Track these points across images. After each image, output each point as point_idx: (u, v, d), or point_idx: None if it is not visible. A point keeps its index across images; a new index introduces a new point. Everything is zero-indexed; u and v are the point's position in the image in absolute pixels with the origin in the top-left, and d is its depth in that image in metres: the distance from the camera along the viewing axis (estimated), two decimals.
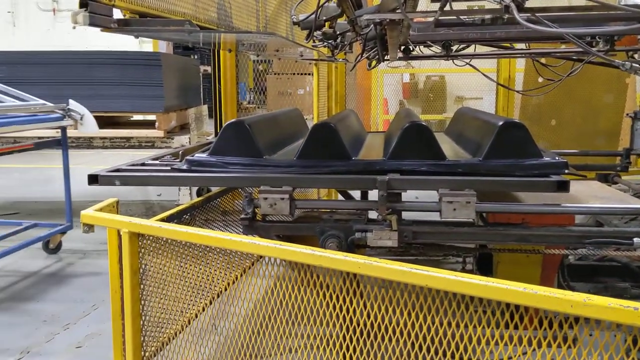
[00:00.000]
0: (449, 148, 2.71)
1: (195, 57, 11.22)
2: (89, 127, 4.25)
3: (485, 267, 2.90)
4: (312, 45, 3.14)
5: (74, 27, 1.95)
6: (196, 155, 2.38)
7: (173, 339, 2.17)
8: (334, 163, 2.26)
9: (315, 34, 2.74)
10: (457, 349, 1.49)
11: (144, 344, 2.06)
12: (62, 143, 4.27)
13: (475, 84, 8.36)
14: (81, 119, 4.23)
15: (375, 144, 3.07)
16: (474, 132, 2.65)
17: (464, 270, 2.68)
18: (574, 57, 3.29)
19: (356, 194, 3.25)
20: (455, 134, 3.13)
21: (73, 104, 4.23)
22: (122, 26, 2.13)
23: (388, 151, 2.29)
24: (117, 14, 2.13)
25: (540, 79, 3.71)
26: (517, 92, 5.01)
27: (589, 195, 2.67)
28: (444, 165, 2.21)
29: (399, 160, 2.24)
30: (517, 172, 2.15)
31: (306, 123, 3.55)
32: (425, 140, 2.25)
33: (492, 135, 2.20)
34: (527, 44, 3.34)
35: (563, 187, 2.09)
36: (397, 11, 1.94)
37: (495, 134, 2.19)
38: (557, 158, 2.18)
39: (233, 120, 2.40)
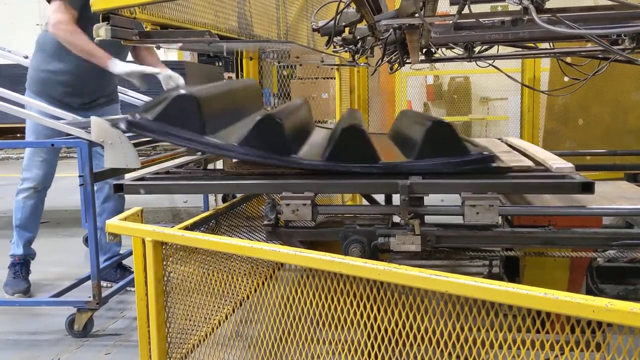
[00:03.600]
0: (388, 149, 2.71)
1: (220, 64, 11.31)
2: None
3: (512, 270, 2.86)
4: (333, 51, 3.14)
5: (95, 42, 1.98)
6: (137, 115, 2.32)
7: (198, 346, 2.19)
8: (277, 158, 2.25)
9: (335, 39, 2.74)
10: (479, 354, 1.48)
11: (169, 351, 2.08)
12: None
13: (500, 84, 8.24)
14: None
15: (319, 141, 3.01)
16: (408, 134, 2.68)
17: (490, 273, 2.65)
18: (600, 56, 3.24)
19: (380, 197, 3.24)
20: (394, 136, 3.12)
21: None
22: (144, 38, 2.17)
23: (326, 153, 2.31)
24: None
25: (566, 78, 3.65)
26: (542, 92, 4.93)
27: (617, 195, 2.63)
28: (377, 167, 2.25)
29: (335, 161, 2.27)
30: (446, 169, 2.22)
31: (262, 98, 3.32)
32: (360, 143, 2.30)
33: (421, 136, 2.27)
34: (551, 44, 3.29)
35: (587, 188, 2.07)
36: (415, 16, 1.94)
37: (424, 134, 2.26)
38: (484, 153, 2.24)
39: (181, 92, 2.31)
